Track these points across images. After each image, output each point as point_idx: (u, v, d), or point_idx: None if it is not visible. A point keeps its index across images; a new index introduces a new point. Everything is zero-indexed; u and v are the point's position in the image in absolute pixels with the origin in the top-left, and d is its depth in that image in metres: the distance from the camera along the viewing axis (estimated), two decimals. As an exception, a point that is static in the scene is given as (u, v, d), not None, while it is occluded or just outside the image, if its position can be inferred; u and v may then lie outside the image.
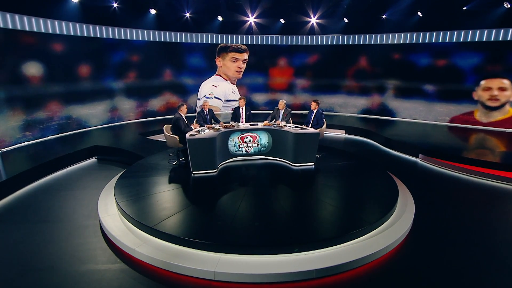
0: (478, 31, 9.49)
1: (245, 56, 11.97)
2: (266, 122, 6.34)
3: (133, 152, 6.69)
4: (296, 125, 6.19)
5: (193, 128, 5.78)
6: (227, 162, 6.02)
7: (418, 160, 7.31)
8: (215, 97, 11.82)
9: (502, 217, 4.70)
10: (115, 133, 8.88)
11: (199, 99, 11.78)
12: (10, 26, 7.03)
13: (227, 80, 12.00)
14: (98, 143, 7.41)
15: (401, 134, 8.78)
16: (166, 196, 4.51)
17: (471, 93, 9.84)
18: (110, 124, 9.67)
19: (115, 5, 9.18)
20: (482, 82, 9.63)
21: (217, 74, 11.93)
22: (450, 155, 6.74)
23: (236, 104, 11.88)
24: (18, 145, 7.17)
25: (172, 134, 5.83)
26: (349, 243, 3.52)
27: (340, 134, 9.96)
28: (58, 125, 8.25)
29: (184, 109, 5.85)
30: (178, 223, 3.75)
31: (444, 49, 10.15)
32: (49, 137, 7.97)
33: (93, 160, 7.15)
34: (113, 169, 6.44)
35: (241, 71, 12.08)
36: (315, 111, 6.40)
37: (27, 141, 7.39)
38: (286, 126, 6.10)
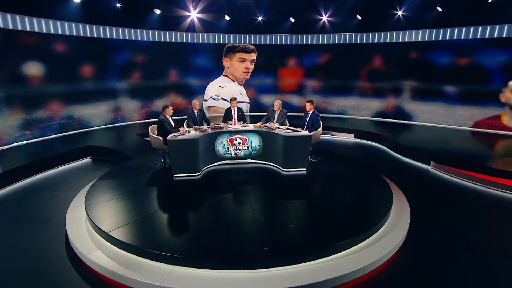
0: (506, 26, 8.54)
1: (253, 56, 11.65)
2: (258, 123, 5.98)
3: (123, 153, 6.57)
4: (289, 128, 5.76)
5: (181, 130, 5.49)
6: (213, 165, 5.70)
7: (429, 168, 6.61)
8: (221, 98, 11.59)
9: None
10: (115, 133, 8.85)
11: (205, 100, 11.62)
12: (11, 27, 7.19)
13: (234, 81, 11.74)
14: (96, 143, 7.37)
15: (415, 139, 8.03)
16: (137, 199, 4.27)
17: (497, 95, 8.88)
18: (113, 125, 9.70)
19: (118, 5, 9.22)
20: (511, 83, 8.66)
21: (224, 75, 11.70)
22: (466, 163, 6.00)
23: (243, 105, 11.61)
24: (16, 143, 7.30)
25: (157, 135, 5.61)
26: (320, 260, 3.08)
27: (349, 138, 9.35)
28: (59, 124, 8.35)
29: (169, 111, 5.60)
30: (138, 230, 3.47)
31: (467, 47, 9.24)
32: (49, 137, 8.06)
33: (87, 160, 7.12)
34: (105, 170, 6.31)
35: (249, 72, 11.78)
36: (310, 112, 5.94)
37: (25, 140, 7.51)
38: (278, 128, 5.70)
